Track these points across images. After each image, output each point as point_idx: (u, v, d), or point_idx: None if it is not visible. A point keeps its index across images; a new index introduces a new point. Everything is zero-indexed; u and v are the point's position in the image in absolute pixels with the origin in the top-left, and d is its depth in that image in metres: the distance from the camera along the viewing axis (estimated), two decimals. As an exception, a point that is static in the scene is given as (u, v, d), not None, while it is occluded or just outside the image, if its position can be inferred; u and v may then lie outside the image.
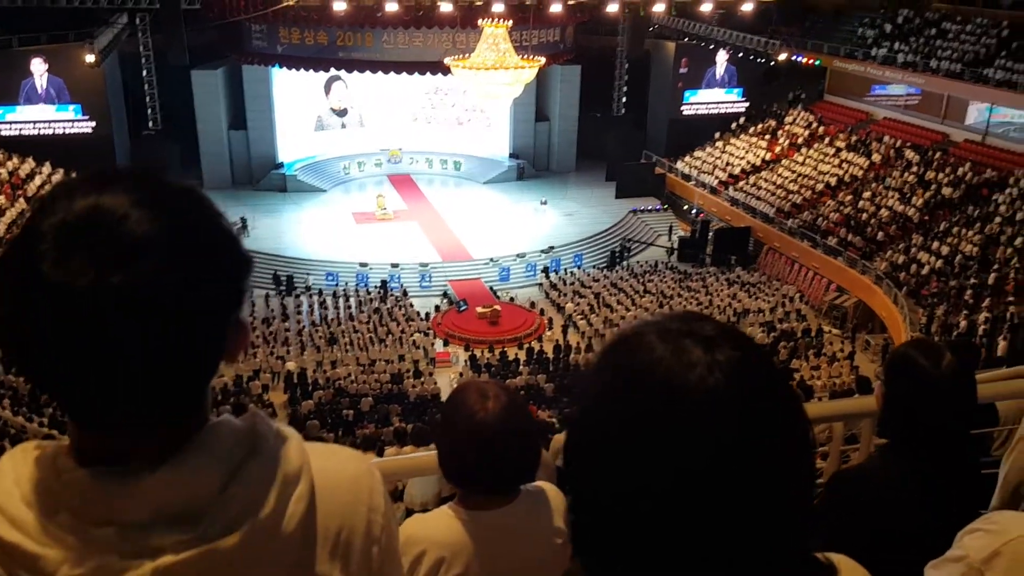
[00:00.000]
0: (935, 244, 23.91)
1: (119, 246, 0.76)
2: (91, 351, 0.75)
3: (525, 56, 26.74)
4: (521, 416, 1.76)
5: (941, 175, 26.91)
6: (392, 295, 26.60)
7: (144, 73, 34.00)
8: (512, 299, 26.75)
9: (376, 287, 27.08)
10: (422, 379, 20.55)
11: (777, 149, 32.71)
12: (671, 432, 0.72)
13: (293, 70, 33.20)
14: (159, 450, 0.82)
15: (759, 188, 30.85)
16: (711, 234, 29.75)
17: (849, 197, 28.15)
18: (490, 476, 1.73)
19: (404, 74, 32.67)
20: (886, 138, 30.01)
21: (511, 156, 37.65)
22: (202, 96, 33.21)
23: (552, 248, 29.57)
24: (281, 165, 35.26)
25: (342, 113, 37.55)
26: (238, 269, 0.87)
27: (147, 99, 34.34)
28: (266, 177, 34.67)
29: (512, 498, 1.76)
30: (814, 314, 25.44)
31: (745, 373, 0.75)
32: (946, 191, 26.13)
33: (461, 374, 20.87)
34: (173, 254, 0.78)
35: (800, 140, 32.59)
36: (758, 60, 34.29)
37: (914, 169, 27.90)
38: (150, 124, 34.72)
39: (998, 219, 23.75)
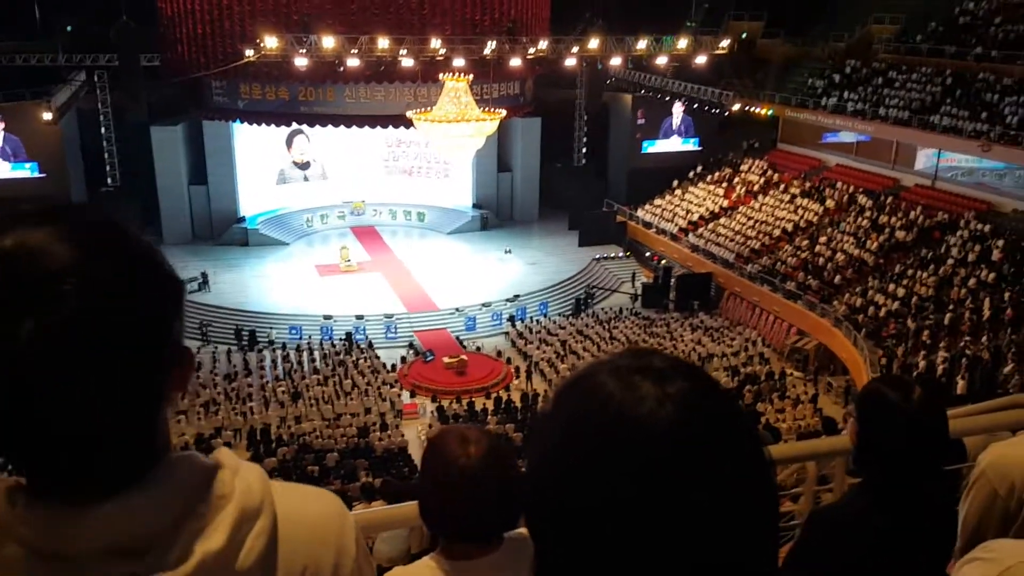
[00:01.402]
0: (891, 286, 24.44)
1: (33, 287, 0.74)
2: (19, 405, 0.75)
3: (486, 109, 27.15)
4: (503, 462, 1.74)
5: (894, 219, 27.64)
6: (357, 347, 26.36)
7: (103, 130, 33.83)
8: (479, 349, 26.67)
9: (341, 339, 26.83)
10: (389, 432, 20.27)
11: (734, 196, 33.40)
12: (626, 465, 0.72)
13: (255, 125, 33.27)
14: (112, 484, 0.81)
15: (718, 235, 31.38)
16: (673, 280, 30.10)
17: (806, 242, 28.75)
18: (472, 523, 1.70)
19: (367, 127, 32.94)
20: (839, 184, 30.83)
21: (474, 206, 37.94)
22: (161, 152, 33.07)
23: (517, 297, 29.65)
24: (243, 219, 35.08)
25: (305, 166, 37.63)
26: (163, 294, 0.85)
27: (105, 156, 34.11)
28: (228, 231, 34.43)
29: (496, 547, 1.72)
30: (776, 357, 25.72)
31: (696, 404, 0.75)
32: (899, 234, 26.82)
33: (431, 425, 20.64)
34: (91, 288, 0.76)
35: (756, 187, 33.34)
36: (713, 111, 35.21)
37: (867, 214, 28.64)
38: (108, 181, 34.41)
39: (950, 260, 24.40)
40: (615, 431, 0.73)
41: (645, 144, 37.25)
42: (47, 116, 29.34)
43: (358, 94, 31.84)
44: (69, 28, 33.87)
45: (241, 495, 0.87)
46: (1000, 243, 23.99)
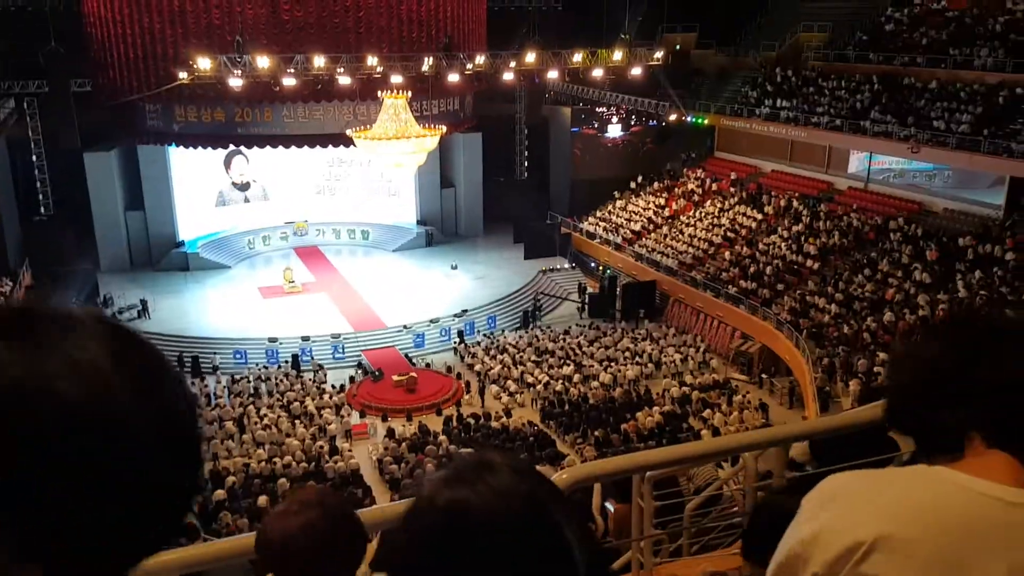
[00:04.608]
0: (830, 289, 25.07)
1: None
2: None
3: (427, 125, 27.14)
4: (332, 526, 1.73)
5: (830, 223, 28.40)
6: (304, 369, 25.98)
7: (34, 158, 32.82)
8: (428, 365, 26.53)
9: (287, 362, 26.42)
10: (340, 455, 20.00)
11: (675, 205, 33.94)
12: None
13: (191, 148, 32.66)
14: None
15: (661, 243, 31.84)
16: (619, 289, 30.41)
17: (746, 248, 29.34)
18: None
19: (306, 147, 32.60)
20: (775, 190, 31.57)
21: (419, 223, 37.82)
22: (96, 178, 32.23)
23: (465, 312, 29.61)
24: (182, 244, 34.35)
25: (244, 187, 37.05)
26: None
27: (37, 184, 33.07)
28: (167, 257, 33.68)
29: None
30: (722, 362, 26.16)
31: (542, 501, 0.85)
32: (836, 238, 27.55)
33: (386, 449, 20.45)
34: None
35: (695, 196, 33.93)
36: (650, 122, 35.73)
37: (804, 218, 29.37)
38: (41, 210, 33.36)
39: (886, 261, 25.15)
40: (480, 536, 0.86)
41: (585, 156, 37.66)
42: (-27, 145, 28.34)
43: (296, 114, 31.51)
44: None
45: None
46: (933, 243, 24.83)
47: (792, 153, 32.79)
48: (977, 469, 1.17)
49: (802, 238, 28.35)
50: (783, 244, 28.53)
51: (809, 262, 27.04)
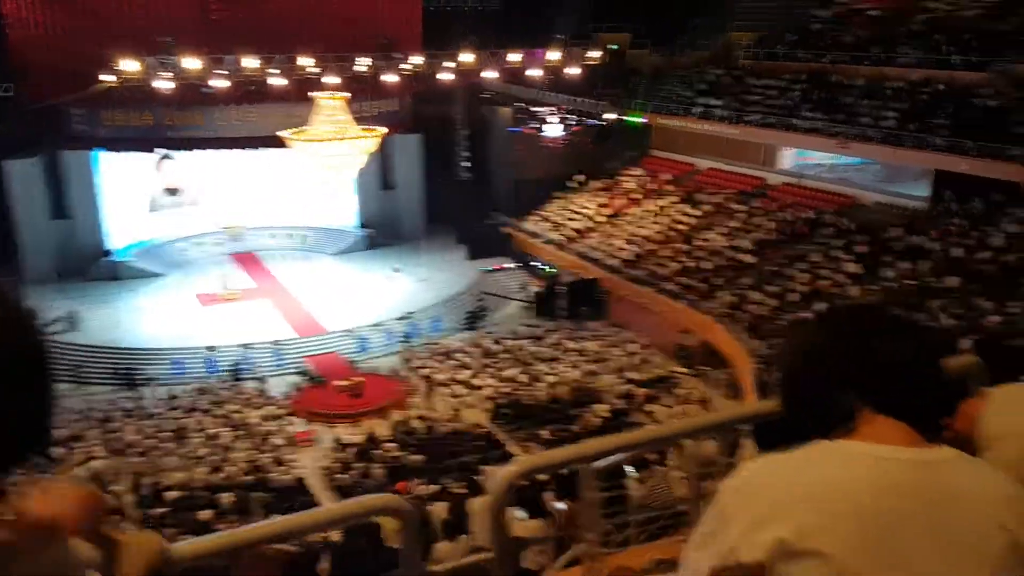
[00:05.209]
0: (766, 283, 25.65)
1: None
2: None
3: (365, 126, 26.91)
4: None
5: (764, 218, 29.06)
6: (245, 377, 25.46)
7: (-50, 166, 31.44)
8: (373, 370, 26.28)
9: (227, 371, 25.85)
10: (284, 465, 19.64)
11: (615, 204, 34.31)
12: None
13: (119, 153, 31.72)
14: None
15: (603, 242, 32.14)
16: (563, 289, 30.61)
17: (685, 245, 29.82)
18: None
19: (239, 150, 32.02)
20: (711, 187, 32.17)
21: (360, 226, 37.41)
22: (18, 187, 31.05)
23: (410, 314, 29.40)
24: (110, 252, 33.33)
25: (176, 192, 36.12)
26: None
27: (-45, 193, 31.71)
28: (96, 266, 32.61)
29: None
30: (664, 357, 26.53)
31: None
32: (770, 233, 28.20)
33: (334, 457, 20.16)
34: None
35: (634, 194, 34.36)
36: (589, 121, 36.05)
37: (739, 214, 29.99)
38: (-39, 220, 32.01)
39: (819, 255, 25.85)
40: None
41: (525, 156, 37.83)
42: None
43: (228, 116, 30.90)
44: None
45: None
46: (863, 235, 25.61)
47: (727, 150, 33.44)
48: (874, 436, 1.33)
49: (738, 234, 28.94)
50: (720, 240, 29.08)
51: (745, 257, 27.61)
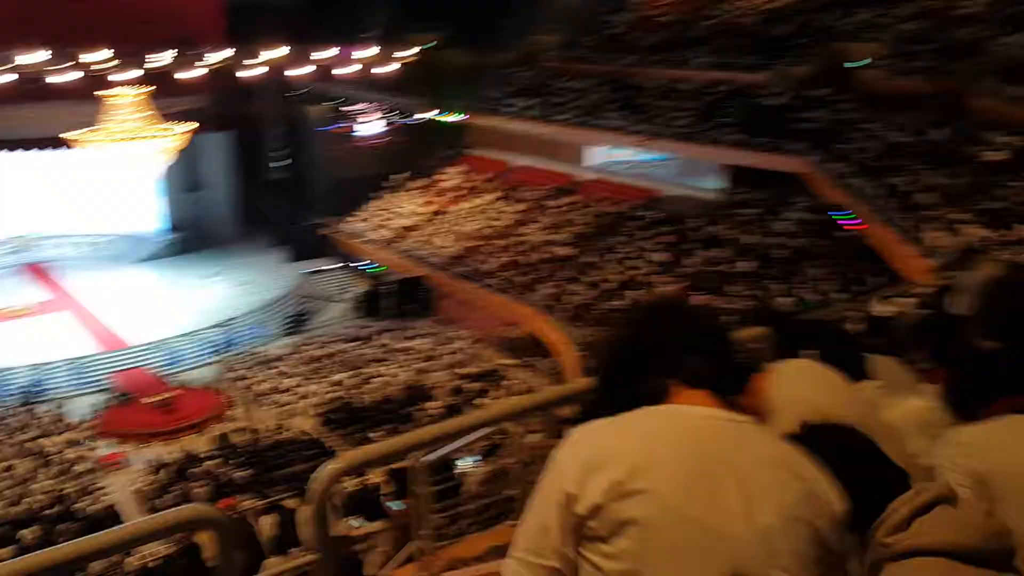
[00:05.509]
0: (583, 274, 26.82)
1: None
2: None
3: (165, 125, 25.41)
4: None
5: (577, 213, 30.33)
6: (40, 400, 23.33)
7: None
8: (188, 383, 24.90)
9: (17, 395, 23.55)
10: (93, 493, 18.22)
11: (437, 202, 34.52)
12: None
13: None
14: None
15: (426, 240, 32.26)
16: (388, 288, 30.44)
17: (505, 240, 30.55)
18: None
19: (23, 151, 29.21)
20: (527, 184, 33.14)
21: (169, 230, 35.24)
22: None
23: (227, 322, 28.09)
24: None
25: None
26: None
27: None
28: None
29: None
30: (492, 351, 27.09)
31: None
32: (584, 226, 29.49)
33: (153, 477, 18.91)
34: None
35: (454, 192, 34.74)
36: (406, 120, 36.00)
37: (554, 210, 31.13)
38: None
39: (628, 246, 27.34)
40: None
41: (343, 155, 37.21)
42: None
43: (8, 116, 28.08)
44: None
45: None
46: (667, 227, 27.36)
47: (539, 149, 34.48)
48: (686, 403, 1.61)
49: (554, 228, 30.02)
50: (538, 235, 30.04)
51: (563, 250, 28.71)
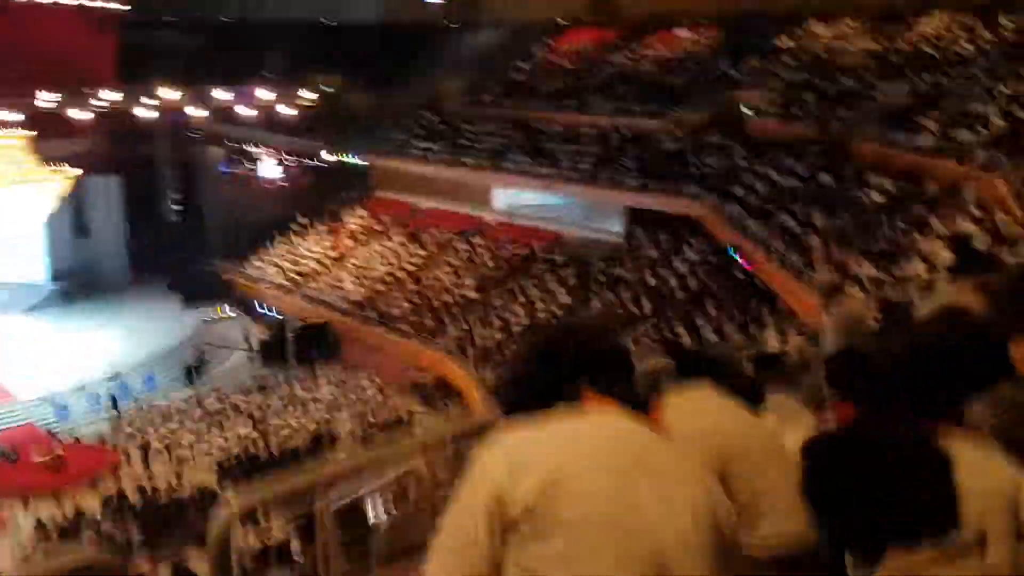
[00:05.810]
0: (491, 317, 26.90)
1: None
2: None
3: (51, 168, 24.35)
4: None
5: (484, 255, 30.51)
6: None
7: None
8: (77, 439, 23.51)
9: None
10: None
11: (341, 245, 34.08)
12: None
13: None
14: None
15: (331, 283, 31.74)
16: (291, 334, 29.67)
17: (412, 284, 30.39)
18: None
19: None
20: (434, 227, 33.17)
21: (53, 278, 33.47)
22: None
23: (118, 374, 26.75)
24: None
25: None
26: None
27: None
28: None
29: None
30: (401, 396, 26.70)
31: None
32: (490, 269, 29.65)
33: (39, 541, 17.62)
34: None
35: (360, 236, 34.40)
36: (308, 162, 35.62)
37: (461, 252, 31.22)
38: None
39: (535, 288, 27.62)
40: None
41: (242, 198, 36.41)
42: None
43: None
44: None
45: None
46: (571, 269, 27.82)
47: (445, 191, 34.67)
48: (598, 409, 1.72)
49: (461, 271, 30.08)
50: (445, 277, 30.02)
51: (470, 292, 28.76)
